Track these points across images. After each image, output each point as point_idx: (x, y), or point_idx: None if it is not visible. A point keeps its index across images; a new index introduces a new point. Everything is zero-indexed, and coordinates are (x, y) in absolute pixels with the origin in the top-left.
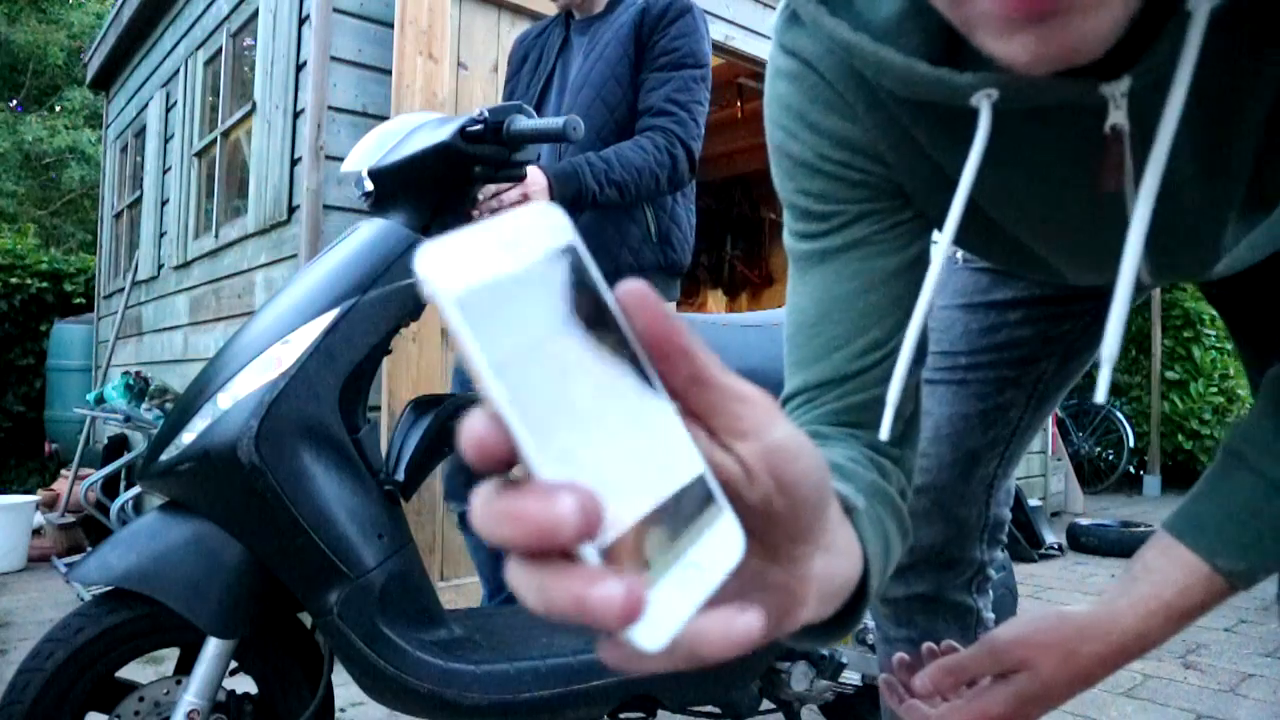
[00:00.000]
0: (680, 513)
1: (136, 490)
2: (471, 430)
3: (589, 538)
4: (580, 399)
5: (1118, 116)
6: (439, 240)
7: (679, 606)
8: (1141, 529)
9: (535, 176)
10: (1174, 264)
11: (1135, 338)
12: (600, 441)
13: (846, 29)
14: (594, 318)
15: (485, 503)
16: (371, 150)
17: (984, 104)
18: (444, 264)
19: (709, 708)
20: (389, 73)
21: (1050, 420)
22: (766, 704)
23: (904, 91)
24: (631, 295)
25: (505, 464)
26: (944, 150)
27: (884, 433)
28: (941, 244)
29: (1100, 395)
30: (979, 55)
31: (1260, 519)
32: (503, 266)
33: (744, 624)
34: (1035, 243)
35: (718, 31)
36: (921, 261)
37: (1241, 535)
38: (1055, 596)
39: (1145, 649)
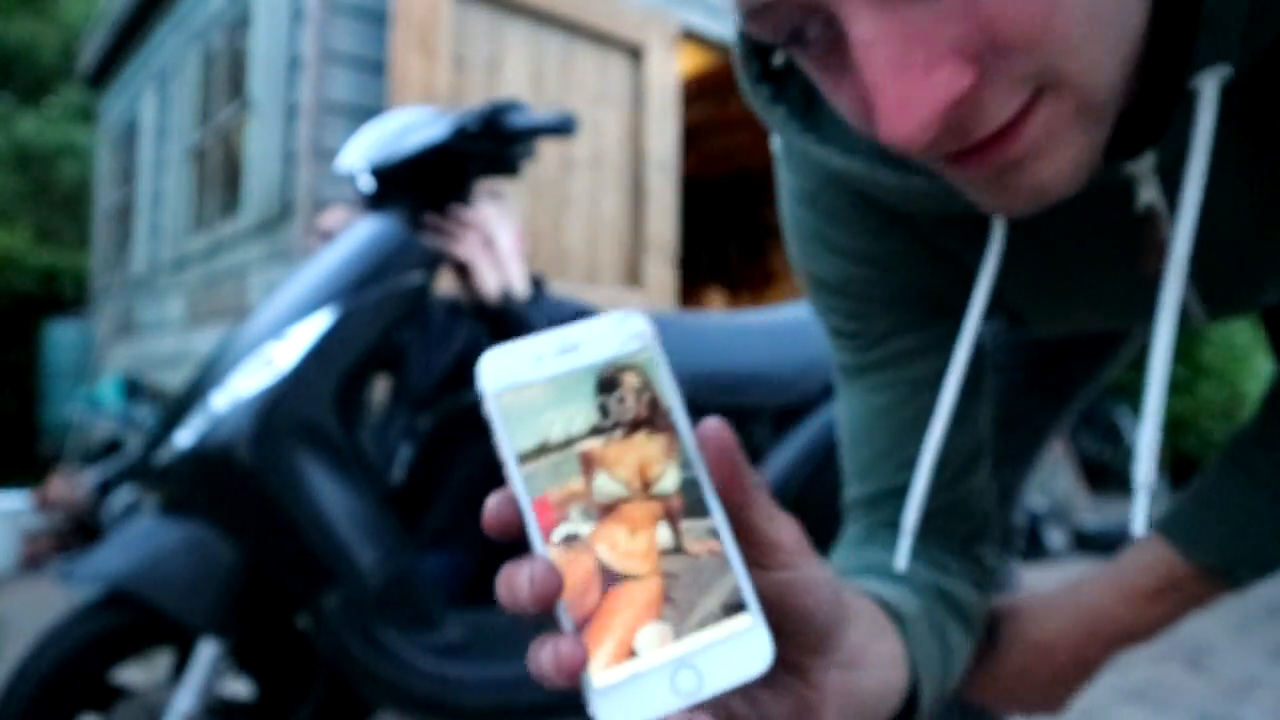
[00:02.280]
0: (695, 608)
1: (130, 491)
2: (490, 506)
3: (541, 606)
4: (605, 488)
5: (1149, 194)
6: (507, 344)
7: (655, 699)
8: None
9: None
10: (1228, 306)
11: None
12: (617, 529)
13: (837, 155)
14: (654, 419)
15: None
16: (367, 147)
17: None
18: (500, 358)
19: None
20: (385, 68)
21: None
22: None
23: (909, 208)
24: (712, 434)
25: (515, 537)
26: (971, 251)
27: (899, 561)
28: (956, 361)
29: (1137, 527)
30: None
31: (1241, 515)
32: (553, 368)
33: None
34: (1081, 321)
35: (720, 28)
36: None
37: (1219, 528)
38: None
39: (1114, 632)
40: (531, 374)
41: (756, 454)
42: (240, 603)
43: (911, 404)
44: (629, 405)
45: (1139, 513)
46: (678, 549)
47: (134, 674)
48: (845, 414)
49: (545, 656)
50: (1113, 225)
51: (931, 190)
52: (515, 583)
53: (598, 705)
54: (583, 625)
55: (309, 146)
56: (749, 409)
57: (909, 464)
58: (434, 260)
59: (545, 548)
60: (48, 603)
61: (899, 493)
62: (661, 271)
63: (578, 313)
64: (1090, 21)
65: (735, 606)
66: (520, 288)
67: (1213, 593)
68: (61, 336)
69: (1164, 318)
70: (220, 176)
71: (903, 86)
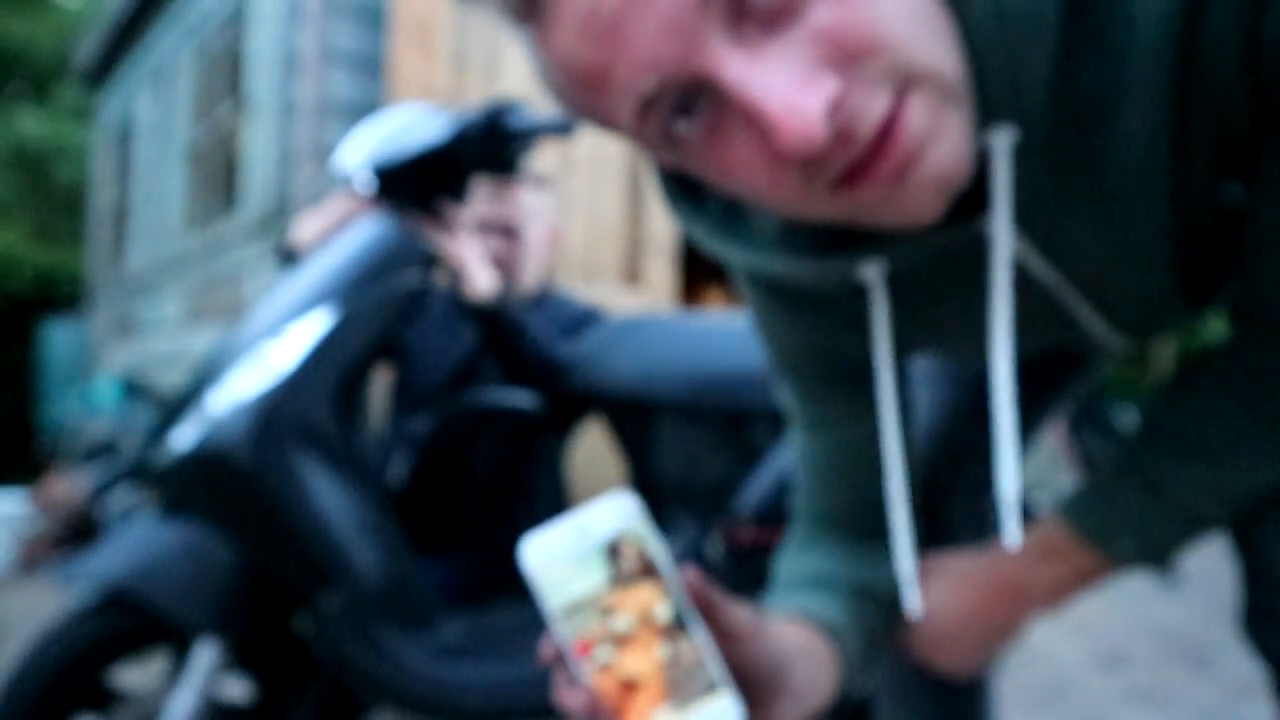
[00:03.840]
0: (688, 693)
1: (127, 492)
2: (542, 649)
3: (591, 715)
4: (619, 626)
5: (1000, 243)
6: (542, 529)
7: None
8: None
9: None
10: (1146, 328)
11: None
12: (632, 652)
13: (735, 250)
14: (647, 569)
15: (561, 692)
16: (366, 146)
17: (873, 273)
18: (537, 542)
19: None
20: (384, 67)
21: (1062, 421)
22: None
23: (808, 287)
24: (690, 576)
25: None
26: (865, 317)
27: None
28: (886, 426)
29: (1010, 538)
30: (867, 234)
31: (1112, 489)
32: (574, 545)
33: None
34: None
35: None
36: (903, 407)
37: (1091, 499)
38: None
39: (1008, 586)
40: (561, 552)
41: (756, 454)
42: (239, 604)
43: (847, 458)
44: (629, 564)
45: (1010, 529)
46: (673, 655)
47: (131, 675)
48: (797, 449)
49: None
50: (978, 275)
51: (825, 271)
52: (570, 703)
53: None
54: (618, 715)
55: (307, 145)
56: (749, 409)
57: (849, 503)
58: (433, 260)
59: (585, 676)
60: (45, 604)
61: (840, 522)
62: (661, 270)
63: (581, 313)
64: (914, 24)
65: (713, 686)
66: (532, 282)
67: (1099, 564)
68: (58, 336)
69: (998, 352)
70: (217, 175)
71: (786, 98)
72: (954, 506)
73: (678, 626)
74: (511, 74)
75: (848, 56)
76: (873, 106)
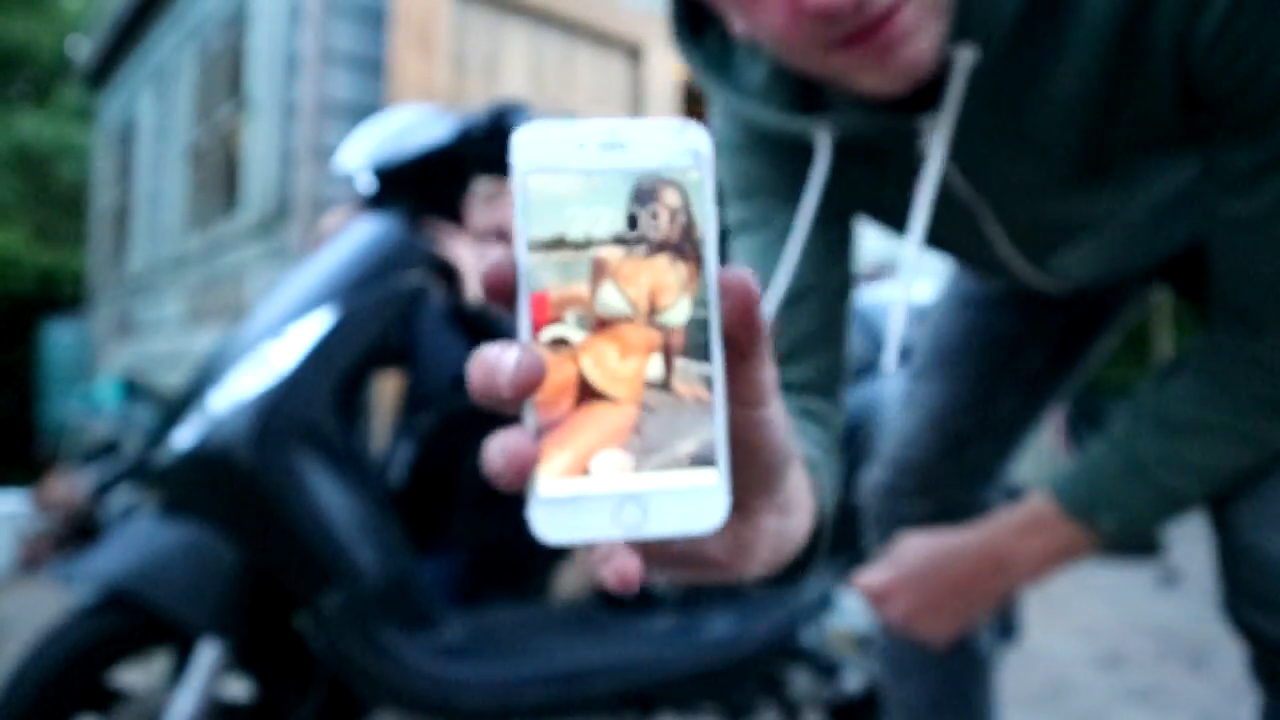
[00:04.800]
0: (664, 447)
1: (128, 492)
2: (491, 268)
3: (517, 394)
4: (610, 301)
5: (936, 141)
6: (549, 120)
7: (594, 523)
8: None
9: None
10: (1039, 244)
11: (1139, 334)
12: (610, 346)
13: (719, 88)
14: (683, 240)
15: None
16: (367, 147)
17: (822, 135)
18: (535, 140)
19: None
20: (384, 68)
21: (1060, 418)
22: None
23: (772, 134)
24: (737, 281)
25: (504, 304)
26: (839, 174)
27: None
28: (790, 248)
29: (889, 364)
30: (832, 101)
31: (1092, 463)
32: (594, 159)
33: (618, 568)
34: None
35: None
36: (846, 238)
37: (1074, 473)
38: (1060, 594)
39: (994, 554)
40: (567, 161)
41: None
42: (240, 604)
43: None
44: (660, 223)
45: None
46: (664, 385)
47: (132, 675)
48: (742, 257)
49: (498, 448)
50: (908, 162)
51: (787, 124)
52: (498, 365)
53: (537, 513)
54: (545, 431)
55: (308, 146)
56: None
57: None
58: (433, 260)
59: (532, 342)
60: (46, 604)
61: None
62: None
63: None
64: None
65: (704, 460)
66: None
67: (1082, 538)
68: (59, 336)
69: (914, 228)
70: (218, 176)
71: None
72: (954, 489)
73: (690, 347)
74: (511, 74)
75: None
76: None
